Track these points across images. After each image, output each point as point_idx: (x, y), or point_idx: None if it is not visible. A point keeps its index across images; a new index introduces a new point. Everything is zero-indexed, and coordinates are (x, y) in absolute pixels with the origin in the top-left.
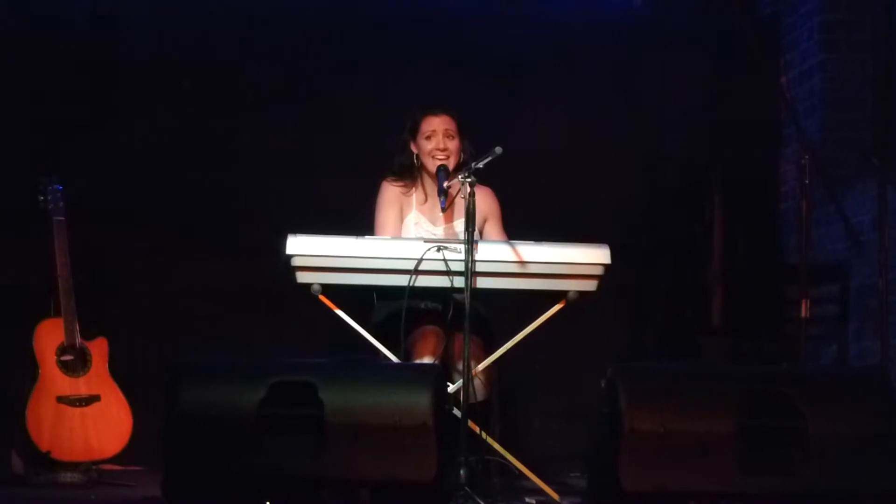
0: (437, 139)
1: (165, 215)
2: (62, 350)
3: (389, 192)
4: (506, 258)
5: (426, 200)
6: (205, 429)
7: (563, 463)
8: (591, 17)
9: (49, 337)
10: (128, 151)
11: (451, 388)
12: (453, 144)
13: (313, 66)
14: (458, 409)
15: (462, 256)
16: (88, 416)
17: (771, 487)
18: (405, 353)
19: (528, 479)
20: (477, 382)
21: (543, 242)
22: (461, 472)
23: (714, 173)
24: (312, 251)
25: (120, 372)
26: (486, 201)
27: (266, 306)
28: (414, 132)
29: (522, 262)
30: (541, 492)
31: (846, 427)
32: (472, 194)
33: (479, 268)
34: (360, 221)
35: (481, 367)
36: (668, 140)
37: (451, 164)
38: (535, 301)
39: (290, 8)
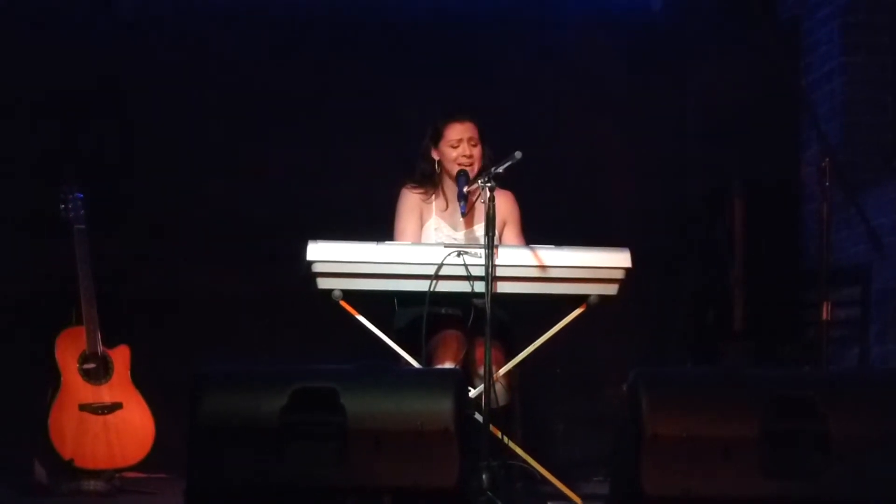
0: (462, 147)
1: (186, 223)
2: (84, 358)
3: (409, 199)
4: (526, 262)
5: (447, 207)
6: (227, 436)
7: (586, 467)
8: (610, 23)
9: (71, 345)
10: (148, 159)
11: (473, 393)
12: (476, 151)
13: (333, 75)
14: (480, 414)
15: (482, 261)
16: (111, 424)
17: (794, 491)
18: (426, 359)
19: (550, 483)
20: (498, 387)
21: (564, 247)
22: (484, 477)
23: (735, 177)
24: (333, 257)
25: (142, 379)
26: (506, 205)
27: (287, 313)
28: (437, 139)
29: (543, 267)
30: (563, 496)
31: (869, 430)
32: (491, 199)
33: (500, 272)
34: (381, 227)
35: (503, 371)
36: (688, 144)
37: (473, 171)
38: (556, 305)
39: (310, 19)
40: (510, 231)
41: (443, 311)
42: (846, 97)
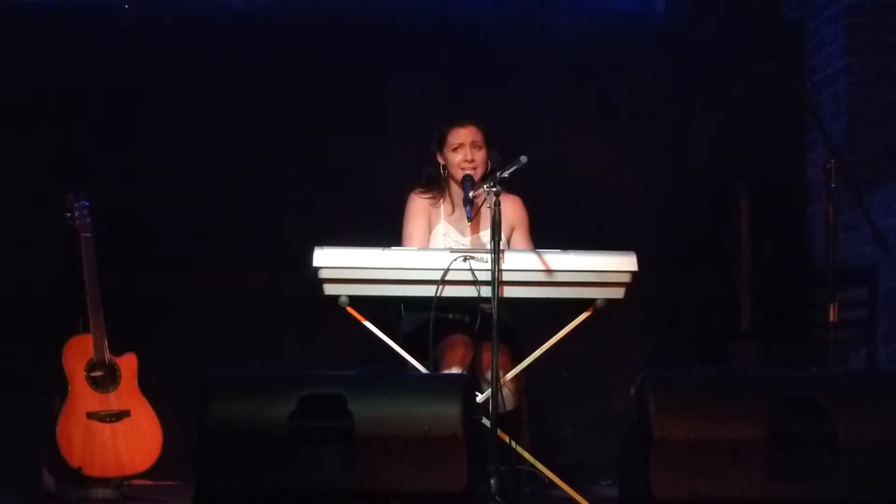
0: (464, 151)
1: (192, 229)
2: (91, 366)
3: (417, 204)
4: (533, 267)
5: (454, 211)
6: (235, 442)
7: (594, 471)
8: (614, 25)
9: (78, 353)
10: (155, 166)
11: (480, 397)
12: (480, 155)
13: (339, 78)
14: (488, 418)
15: (488, 266)
16: (119, 432)
17: (802, 493)
18: (433, 364)
19: (558, 487)
20: (506, 392)
21: (570, 250)
22: (491, 481)
23: (740, 179)
24: (339, 263)
25: (150, 387)
26: (513, 210)
27: (294, 319)
28: (441, 144)
29: (549, 271)
30: (572, 500)
31: (876, 431)
32: (497, 203)
33: (506, 277)
34: (388, 233)
35: (510, 376)
36: (693, 146)
37: (478, 175)
38: (562, 309)
39: (314, 21)
40: (519, 235)
41: (449, 315)
42: (851, 98)
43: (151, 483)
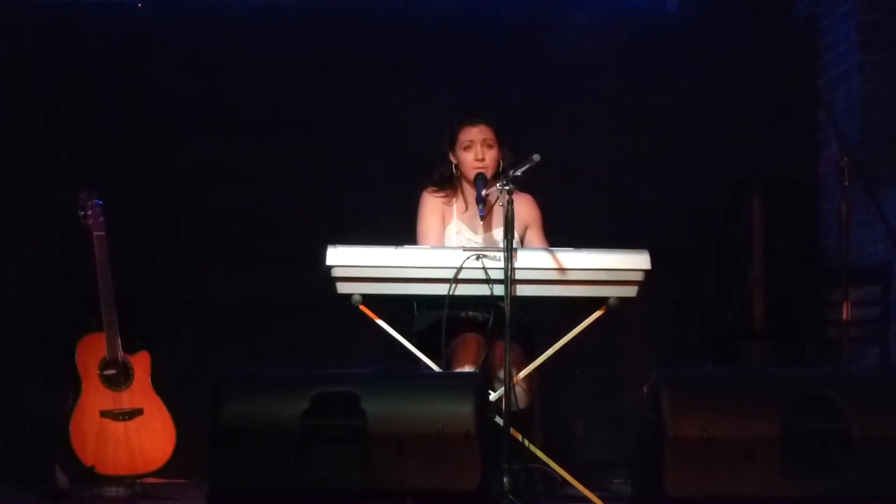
0: (475, 150)
1: (207, 227)
2: (105, 364)
3: (431, 202)
4: (545, 265)
5: (467, 209)
6: (249, 441)
7: (607, 469)
8: (626, 22)
9: (91, 351)
10: (168, 165)
11: (493, 396)
12: (491, 154)
13: (350, 77)
14: (501, 417)
15: (501, 264)
16: (132, 430)
17: (816, 491)
18: (446, 362)
19: (571, 486)
20: (519, 390)
21: (583, 249)
22: (505, 480)
23: (753, 177)
24: (352, 262)
25: (163, 385)
26: (526, 208)
27: (308, 317)
28: (452, 143)
29: (562, 269)
30: (585, 499)
31: (891, 428)
32: (510, 202)
33: (519, 275)
34: (400, 231)
35: (523, 374)
36: (706, 144)
37: (490, 173)
38: (575, 308)
39: (324, 20)
40: (533, 234)
41: (462, 314)
42: (864, 95)
43: (164, 481)
